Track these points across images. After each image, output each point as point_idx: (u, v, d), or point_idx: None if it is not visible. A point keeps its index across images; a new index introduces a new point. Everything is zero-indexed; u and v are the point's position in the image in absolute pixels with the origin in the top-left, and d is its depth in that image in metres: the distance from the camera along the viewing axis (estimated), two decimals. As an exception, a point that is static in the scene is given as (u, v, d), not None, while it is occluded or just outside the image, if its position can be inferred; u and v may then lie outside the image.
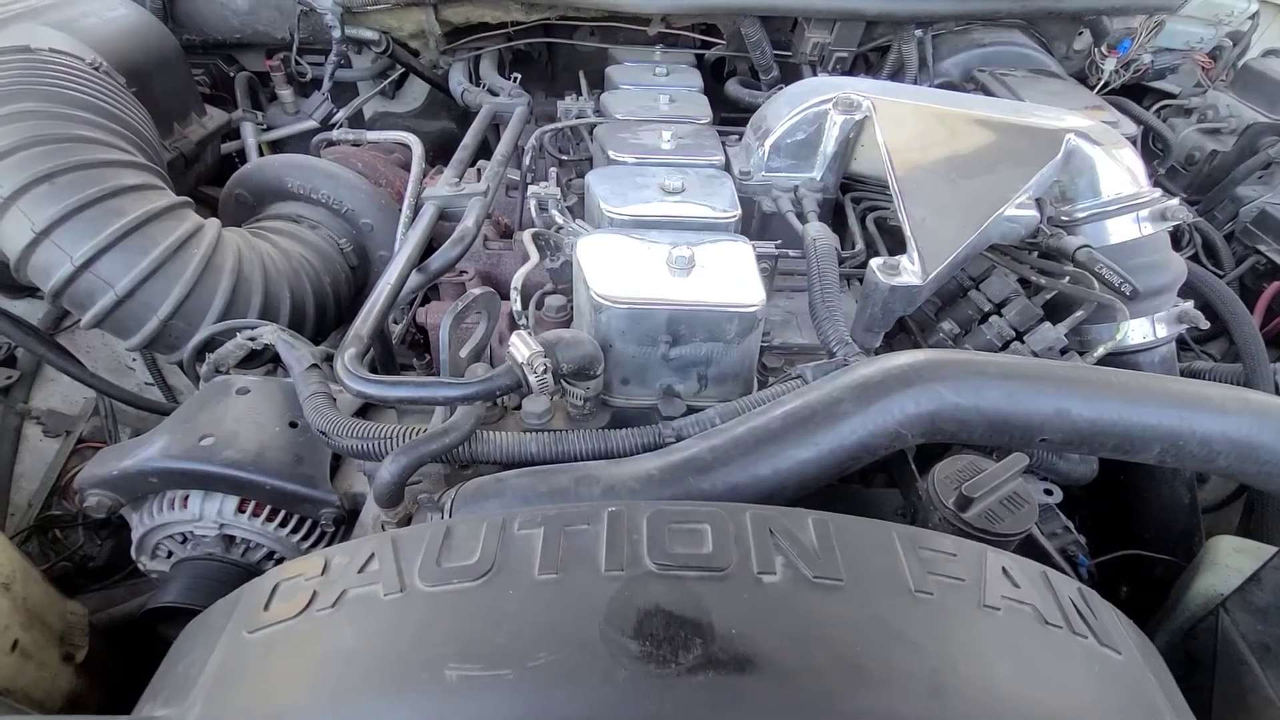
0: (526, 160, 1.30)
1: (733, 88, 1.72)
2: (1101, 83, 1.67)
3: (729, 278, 0.87)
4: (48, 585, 0.87)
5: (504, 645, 0.44)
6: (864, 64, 1.74)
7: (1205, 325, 1.03)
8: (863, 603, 0.48)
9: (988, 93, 1.42)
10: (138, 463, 0.82)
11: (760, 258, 1.04)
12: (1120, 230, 1.04)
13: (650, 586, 0.46)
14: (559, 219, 1.06)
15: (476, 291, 0.86)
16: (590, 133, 1.41)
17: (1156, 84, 1.79)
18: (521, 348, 0.73)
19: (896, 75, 1.62)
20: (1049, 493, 0.94)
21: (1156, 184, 1.60)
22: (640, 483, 0.69)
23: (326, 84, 1.69)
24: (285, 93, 1.84)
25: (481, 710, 0.41)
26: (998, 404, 0.73)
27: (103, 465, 0.84)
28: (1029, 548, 0.93)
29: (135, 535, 0.88)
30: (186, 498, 0.85)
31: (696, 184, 1.12)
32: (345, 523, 0.87)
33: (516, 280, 0.93)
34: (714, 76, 1.85)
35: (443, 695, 0.42)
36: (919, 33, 1.57)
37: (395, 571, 0.50)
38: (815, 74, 1.65)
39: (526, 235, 1.03)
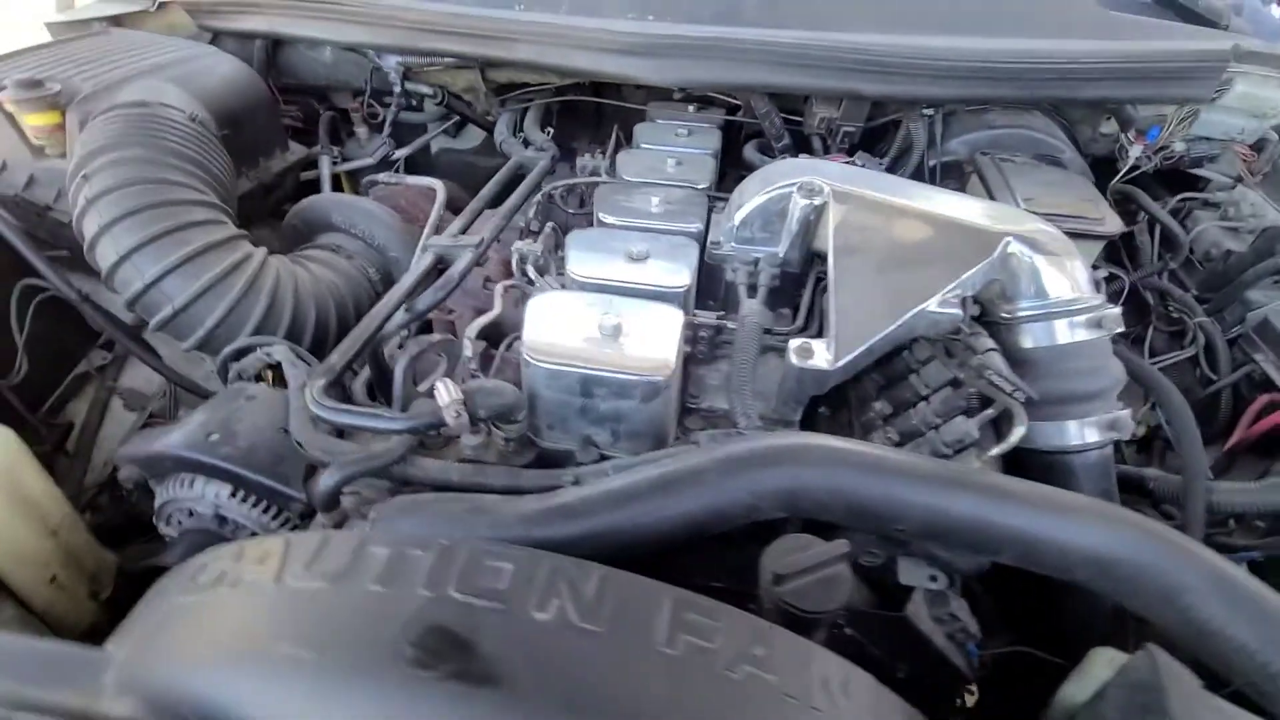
0: (530, 213, 1.47)
1: (749, 152, 1.82)
2: (1127, 168, 1.65)
3: (649, 346, 0.99)
4: (89, 535, 1.10)
5: (324, 634, 0.58)
6: (882, 135, 1.80)
7: (1133, 433, 1.04)
8: (611, 650, 0.58)
9: (982, 177, 1.46)
10: (160, 448, 1.03)
11: (700, 326, 1.15)
12: (1058, 333, 1.07)
13: (445, 608, 0.59)
14: (532, 274, 1.21)
15: (435, 338, 1.02)
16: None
17: (1197, 171, 1.73)
18: (443, 394, 0.88)
19: (904, 151, 1.67)
20: (934, 579, 0.98)
21: (1173, 278, 1.57)
22: (518, 521, 0.82)
23: (386, 129, 1.94)
24: (361, 130, 2.12)
25: (288, 682, 0.55)
26: (856, 491, 0.80)
27: (136, 446, 1.06)
28: (907, 634, 0.98)
29: (156, 504, 1.10)
30: (193, 480, 1.06)
31: (663, 251, 1.24)
32: (310, 517, 1.04)
33: (471, 330, 1.08)
34: (744, 138, 1.96)
35: (269, 667, 0.56)
36: (929, 112, 1.62)
37: (279, 566, 0.66)
38: (824, 146, 1.73)
39: (499, 288, 1.19)
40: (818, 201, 1.22)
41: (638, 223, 1.35)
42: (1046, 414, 1.10)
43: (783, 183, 1.26)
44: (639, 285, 1.16)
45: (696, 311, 1.17)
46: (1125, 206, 1.69)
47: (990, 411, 1.00)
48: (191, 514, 1.09)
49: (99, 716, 0.60)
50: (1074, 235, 1.28)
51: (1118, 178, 1.65)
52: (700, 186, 1.52)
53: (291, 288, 1.34)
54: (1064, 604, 1.12)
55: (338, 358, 1.02)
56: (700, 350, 1.17)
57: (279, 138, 1.85)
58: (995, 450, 0.95)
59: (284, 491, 1.02)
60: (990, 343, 1.01)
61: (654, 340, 1.00)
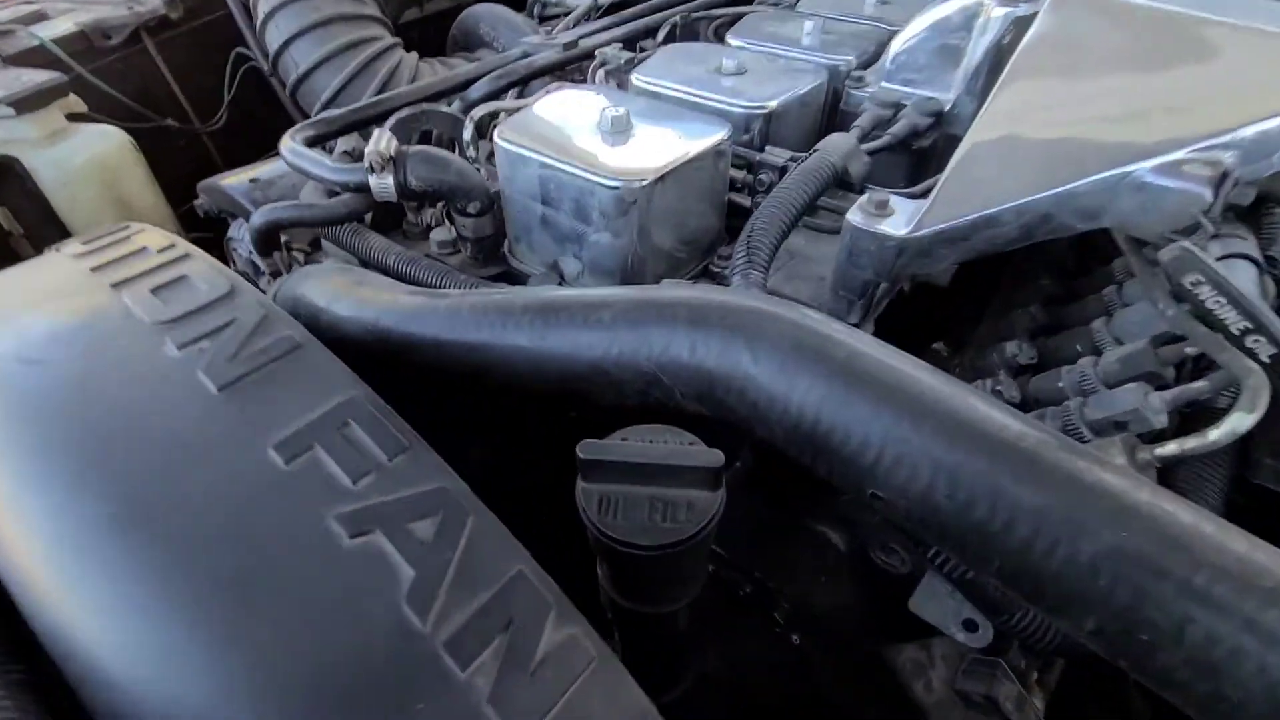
0: (662, 34, 1.21)
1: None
2: None
3: (642, 156, 0.71)
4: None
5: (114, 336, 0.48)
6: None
7: None
8: (207, 422, 0.39)
9: None
10: (219, 183, 1.08)
11: (763, 166, 0.82)
12: None
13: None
14: (600, 78, 0.98)
15: (440, 108, 0.87)
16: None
17: None
18: (371, 145, 0.73)
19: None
20: (970, 627, 0.56)
21: None
22: (377, 307, 0.65)
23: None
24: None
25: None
26: (815, 404, 0.47)
27: (212, 180, 1.13)
28: (891, 692, 0.60)
29: (225, 239, 1.18)
30: (243, 224, 1.09)
31: (767, 72, 0.90)
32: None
33: (476, 112, 0.90)
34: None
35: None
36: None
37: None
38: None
39: (550, 87, 0.98)
40: (1023, 10, 0.75)
41: (768, 47, 1.01)
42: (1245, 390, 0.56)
43: (978, -11, 0.80)
44: (700, 98, 0.85)
45: (769, 148, 0.82)
46: None
47: (1202, 383, 0.52)
48: (241, 255, 1.15)
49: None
50: None
51: None
52: (891, 27, 1.09)
53: (407, 79, 1.31)
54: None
55: (340, 115, 0.94)
56: (760, 202, 0.83)
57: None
58: (1171, 446, 0.48)
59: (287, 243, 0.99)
60: (1250, 249, 0.51)
61: (657, 151, 0.71)
